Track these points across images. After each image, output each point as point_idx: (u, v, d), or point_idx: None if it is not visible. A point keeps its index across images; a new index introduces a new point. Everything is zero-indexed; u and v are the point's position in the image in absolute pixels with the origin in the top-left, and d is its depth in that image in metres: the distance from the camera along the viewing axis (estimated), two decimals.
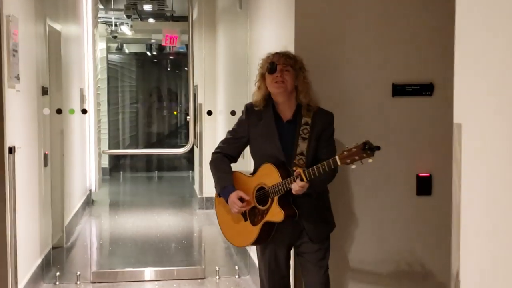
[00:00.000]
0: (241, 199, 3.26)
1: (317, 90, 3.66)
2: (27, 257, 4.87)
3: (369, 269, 3.78)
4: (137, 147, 13.54)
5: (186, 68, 12.51)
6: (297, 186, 3.03)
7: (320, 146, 3.24)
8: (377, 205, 3.76)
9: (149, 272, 5.55)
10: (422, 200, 3.77)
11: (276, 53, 3.31)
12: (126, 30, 9.58)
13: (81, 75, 7.82)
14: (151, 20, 9.73)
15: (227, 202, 3.32)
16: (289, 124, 3.28)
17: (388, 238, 3.76)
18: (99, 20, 9.07)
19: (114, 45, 11.88)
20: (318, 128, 3.23)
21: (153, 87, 13.65)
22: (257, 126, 3.32)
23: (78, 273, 5.36)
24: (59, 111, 5.29)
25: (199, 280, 5.39)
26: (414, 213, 3.77)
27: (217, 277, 5.41)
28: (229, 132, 3.47)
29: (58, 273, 5.34)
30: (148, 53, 13.27)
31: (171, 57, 13.20)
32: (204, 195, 8.19)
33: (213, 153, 3.46)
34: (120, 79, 12.96)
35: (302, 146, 3.20)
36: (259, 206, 3.25)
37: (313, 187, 3.08)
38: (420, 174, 3.74)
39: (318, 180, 3.04)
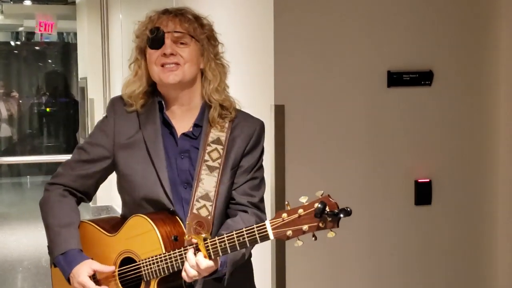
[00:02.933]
0: (94, 278, 1.95)
1: (295, 83, 3.01)
2: None
3: None
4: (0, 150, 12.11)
5: (65, 60, 11.35)
6: (192, 269, 1.81)
7: (238, 180, 2.01)
8: (368, 217, 3.16)
9: None
10: (421, 210, 3.21)
11: (165, 11, 2.03)
12: None
13: None
14: (26, 2, 8.53)
15: (68, 280, 1.96)
16: (186, 139, 2.01)
17: (383, 256, 3.18)
18: None
19: None
20: (237, 149, 2.01)
21: (20, 82, 12.28)
22: (130, 141, 2.02)
23: None
24: None
25: None
26: (412, 226, 3.21)
27: None
28: (78, 148, 2.09)
29: None
30: (12, 43, 11.95)
31: (41, 47, 11.91)
32: (98, 203, 7.19)
33: (47, 185, 2.08)
34: None
35: (208, 183, 1.96)
36: None
37: (224, 268, 1.88)
38: (419, 180, 3.18)
39: (232, 256, 1.87)
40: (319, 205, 1.68)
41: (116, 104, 2.06)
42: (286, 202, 1.73)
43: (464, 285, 3.29)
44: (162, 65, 1.97)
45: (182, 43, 1.98)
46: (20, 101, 11.90)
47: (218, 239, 1.78)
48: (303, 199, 1.72)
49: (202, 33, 2.01)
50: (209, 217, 1.94)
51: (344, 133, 3.11)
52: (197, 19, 2.03)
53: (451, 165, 3.22)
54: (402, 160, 3.18)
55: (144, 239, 1.92)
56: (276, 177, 3.02)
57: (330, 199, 1.70)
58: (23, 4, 8.78)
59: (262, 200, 2.06)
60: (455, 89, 3.20)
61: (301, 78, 3.04)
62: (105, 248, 2.01)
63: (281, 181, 3.02)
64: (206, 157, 1.97)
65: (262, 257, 2.95)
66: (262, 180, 2.08)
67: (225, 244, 1.77)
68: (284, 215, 1.71)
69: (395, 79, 3.13)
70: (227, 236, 1.77)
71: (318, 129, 3.07)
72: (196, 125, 2.01)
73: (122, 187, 2.05)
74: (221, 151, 1.98)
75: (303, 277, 3.09)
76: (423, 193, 3.19)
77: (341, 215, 1.68)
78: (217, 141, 1.99)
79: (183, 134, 2.01)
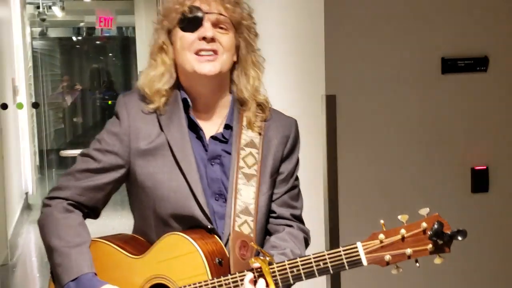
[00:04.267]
0: None
1: (346, 72, 2.99)
2: None
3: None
4: (64, 142, 12.46)
5: (124, 54, 11.57)
6: None
7: (278, 191, 1.77)
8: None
9: None
10: (478, 198, 3.15)
11: None
12: (56, 11, 8.58)
13: (11, 63, 6.84)
14: None
15: None
16: (216, 143, 1.74)
17: None
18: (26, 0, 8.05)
19: (36, 30, 10.83)
20: (275, 153, 1.75)
21: (82, 75, 12.59)
22: (151, 147, 1.70)
23: None
24: (4, 106, 4.39)
25: None
26: (468, 214, 3.15)
27: None
28: (84, 155, 1.75)
29: None
30: (74, 38, 12.25)
31: (101, 42, 12.18)
32: None
33: (46, 200, 1.74)
34: (43, 67, 11.87)
35: (246, 194, 1.68)
36: None
37: None
38: (476, 167, 3.12)
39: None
40: (436, 226, 1.42)
41: (129, 103, 1.73)
42: (382, 222, 1.48)
43: None
44: (197, 53, 1.67)
45: (221, 28, 1.71)
46: (83, 94, 12.21)
47: (289, 264, 1.50)
48: (403, 218, 1.47)
49: (244, 20, 1.77)
50: (251, 235, 1.66)
51: (398, 122, 3.06)
52: (239, 3, 1.77)
53: (508, 151, 3.15)
54: (458, 148, 3.12)
55: (183, 262, 1.60)
56: (328, 170, 3.00)
57: (442, 219, 1.46)
58: (83, 1, 9.01)
59: (302, 211, 1.83)
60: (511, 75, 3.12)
61: (352, 67, 3.01)
62: (128, 273, 1.67)
63: (333, 174, 3.00)
64: (241, 163, 1.68)
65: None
66: (299, 189, 1.84)
67: (298, 270, 1.49)
68: (381, 236, 1.45)
69: (450, 65, 3.06)
70: (301, 261, 1.50)
71: (370, 118, 3.04)
72: (226, 126, 1.73)
73: (141, 201, 1.72)
74: (256, 155, 1.69)
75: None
76: (480, 181, 3.13)
77: (460, 238, 1.44)
78: (251, 144, 1.71)
79: (212, 137, 1.73)
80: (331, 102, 2.99)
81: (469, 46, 3.09)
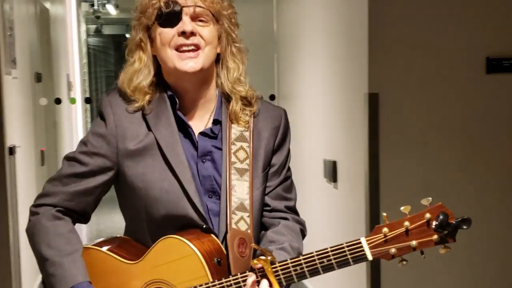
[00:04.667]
0: None
1: (389, 71, 3.01)
2: (30, 272, 4.14)
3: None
4: None
5: None
6: None
7: (271, 183, 1.71)
8: (467, 207, 3.11)
9: None
10: None
11: None
12: (110, 9, 8.77)
13: (66, 59, 7.04)
14: None
15: None
16: (206, 139, 1.67)
17: (486, 253, 3.13)
18: None
19: (91, 27, 11.07)
20: (266, 146, 1.69)
21: None
22: (139, 147, 1.63)
23: None
24: (58, 101, 4.53)
25: None
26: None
27: None
28: (69, 159, 1.66)
29: None
30: (127, 35, 12.47)
31: None
32: None
33: (33, 208, 1.66)
34: (97, 64, 12.14)
35: (240, 190, 1.63)
36: None
37: None
38: None
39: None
40: (441, 217, 1.38)
41: (114, 103, 1.65)
42: (384, 215, 1.46)
43: None
44: (178, 48, 1.59)
45: (201, 21, 1.62)
46: None
47: (292, 263, 1.48)
48: (405, 210, 1.42)
49: (224, 10, 1.66)
50: (248, 231, 1.61)
51: (440, 121, 3.07)
52: None
53: None
54: (502, 148, 3.10)
55: (181, 265, 1.55)
56: (370, 168, 3.03)
57: (446, 208, 1.42)
58: None
59: (296, 202, 1.78)
60: None
61: (395, 65, 3.03)
62: (124, 279, 1.61)
63: (375, 172, 3.02)
64: (233, 158, 1.63)
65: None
66: (292, 180, 1.76)
67: (301, 268, 1.47)
68: (385, 230, 1.42)
69: (495, 65, 3.05)
70: (304, 259, 1.47)
71: (413, 117, 3.05)
72: (214, 121, 1.66)
73: (132, 202, 1.66)
74: (247, 149, 1.64)
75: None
76: None
77: (464, 227, 1.40)
78: (241, 137, 1.65)
79: (201, 133, 1.66)
80: (373, 100, 3.02)
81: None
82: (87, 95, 8.64)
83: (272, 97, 4.60)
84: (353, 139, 3.27)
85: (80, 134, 7.90)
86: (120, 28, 11.75)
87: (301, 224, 1.73)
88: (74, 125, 7.59)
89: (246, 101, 1.68)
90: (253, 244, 1.57)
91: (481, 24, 3.05)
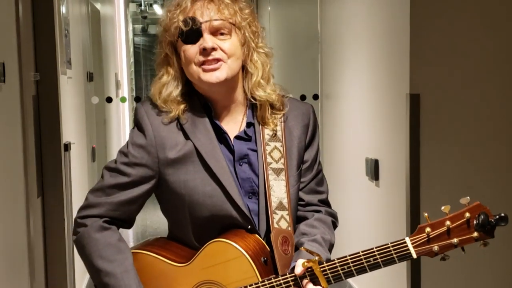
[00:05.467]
0: None
1: (430, 72, 3.08)
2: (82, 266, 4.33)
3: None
4: None
5: None
6: None
7: (304, 179, 1.78)
8: (506, 206, 3.16)
9: None
10: None
11: None
12: (157, 9, 8.97)
13: (115, 58, 7.25)
14: None
15: None
16: (241, 143, 1.74)
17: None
18: None
19: (138, 27, 11.29)
20: (299, 144, 1.75)
21: None
22: (179, 155, 1.69)
23: None
24: (109, 100, 4.71)
25: None
26: None
27: None
28: (111, 170, 1.72)
29: None
30: None
31: None
32: None
33: (79, 219, 1.72)
34: (144, 63, 12.37)
35: (278, 189, 1.70)
36: None
37: None
38: None
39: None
40: (482, 216, 1.47)
41: (150, 113, 1.70)
42: (426, 215, 1.54)
43: None
44: (201, 64, 1.65)
45: (222, 34, 1.66)
46: None
47: (339, 262, 1.55)
48: (446, 209, 1.52)
49: (243, 19, 1.68)
50: (289, 229, 1.68)
51: (481, 122, 3.12)
52: (237, 2, 1.70)
53: None
54: None
55: (230, 267, 1.62)
56: (410, 168, 3.10)
57: (484, 206, 1.50)
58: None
59: (328, 195, 1.84)
60: None
61: (436, 67, 3.09)
62: (173, 282, 1.68)
63: (416, 173, 3.09)
64: (269, 159, 1.69)
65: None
66: (323, 173, 1.83)
67: (348, 267, 1.54)
68: (428, 229, 1.51)
69: None
70: (351, 258, 1.55)
71: (453, 118, 3.11)
72: (247, 124, 1.72)
73: (175, 207, 1.72)
74: (281, 149, 1.70)
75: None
76: None
77: (502, 224, 1.49)
78: (274, 138, 1.71)
79: (236, 137, 1.72)
80: (415, 101, 3.09)
81: None
82: (134, 94, 8.85)
83: (316, 97, 4.69)
84: (394, 138, 3.36)
85: (127, 132, 8.12)
86: None
87: (333, 216, 1.80)
88: (122, 123, 7.81)
89: (273, 105, 1.73)
90: (303, 247, 1.61)
91: None
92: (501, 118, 3.13)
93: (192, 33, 1.64)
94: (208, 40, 1.64)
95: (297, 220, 1.77)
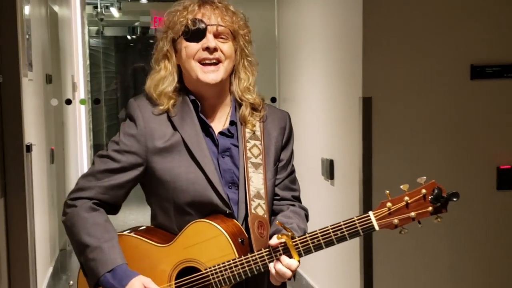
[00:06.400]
0: None
1: (382, 76, 3.25)
2: (42, 264, 4.37)
3: (438, 270, 3.39)
4: None
5: None
6: (286, 271, 1.71)
7: (279, 176, 1.94)
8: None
9: None
10: (503, 194, 3.37)
11: (204, 1, 1.87)
12: (114, 11, 8.99)
13: (72, 61, 7.25)
14: (143, 0, 9.15)
15: None
16: (224, 138, 1.89)
17: (464, 236, 3.37)
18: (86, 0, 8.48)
19: (94, 29, 11.27)
20: (276, 143, 1.92)
21: (135, 73, 13.04)
22: (167, 145, 1.83)
23: (71, 282, 4.78)
24: (68, 102, 4.77)
25: None
26: (494, 209, 3.38)
27: None
28: (102, 157, 1.86)
29: (71, 282, 4.83)
30: (128, 37, 12.68)
31: (154, 41, 12.60)
32: None
33: (69, 201, 1.84)
34: (99, 65, 12.35)
35: (256, 181, 1.84)
36: None
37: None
38: (501, 167, 3.35)
39: None
40: (436, 191, 1.63)
41: (142, 106, 1.85)
42: (387, 192, 1.70)
43: None
44: (201, 61, 1.82)
45: (222, 38, 1.84)
46: (135, 91, 12.64)
47: (310, 236, 1.70)
48: (405, 187, 1.67)
49: (241, 28, 1.88)
50: (265, 216, 1.83)
51: (429, 124, 3.29)
52: (236, 13, 1.89)
53: None
54: (485, 148, 3.34)
55: (209, 245, 1.75)
56: (363, 168, 3.26)
57: (439, 184, 1.66)
58: (139, 2, 9.40)
59: (300, 193, 2.01)
60: None
61: (388, 71, 3.25)
62: (156, 261, 1.81)
63: (368, 173, 3.25)
64: (249, 154, 1.85)
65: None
66: (295, 174, 2.02)
67: (318, 241, 1.70)
68: (389, 204, 1.66)
69: (478, 72, 3.28)
70: (320, 232, 1.69)
71: (403, 120, 3.28)
72: (231, 123, 1.89)
73: (159, 195, 1.85)
74: (260, 146, 1.87)
75: (389, 261, 3.35)
76: (504, 179, 3.35)
77: (454, 199, 1.64)
78: (254, 136, 1.88)
79: (220, 132, 1.88)
80: (367, 104, 3.25)
81: (498, 53, 3.31)
82: (89, 96, 8.84)
83: (273, 100, 4.81)
84: (348, 140, 3.51)
85: (84, 134, 8.12)
86: (121, 30, 11.96)
87: (306, 210, 1.97)
88: (79, 125, 7.81)
89: (254, 107, 1.90)
90: (278, 222, 1.78)
91: (467, 34, 3.28)
92: (446, 119, 3.31)
93: (198, 33, 1.80)
94: (211, 41, 1.81)
95: (273, 213, 1.91)
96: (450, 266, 3.38)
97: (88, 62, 9.03)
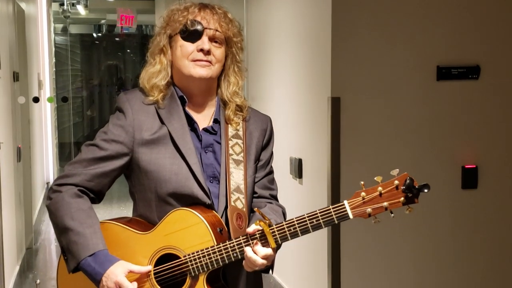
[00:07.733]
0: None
1: (350, 76, 3.30)
2: (9, 263, 4.33)
3: (401, 265, 3.46)
4: (82, 135, 12.81)
5: (143, 51, 11.91)
6: (257, 258, 1.76)
7: (258, 175, 2.01)
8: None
9: None
10: (468, 193, 3.46)
11: (204, 6, 1.96)
12: (80, 9, 8.93)
13: (38, 58, 7.19)
14: None
15: (97, 283, 1.80)
16: (208, 134, 1.97)
17: (429, 234, 3.44)
18: None
19: (59, 26, 11.17)
20: (257, 143, 2.00)
21: (101, 71, 12.95)
22: (154, 137, 1.90)
23: (38, 281, 4.72)
24: (36, 100, 4.73)
25: None
26: (459, 208, 3.46)
27: None
28: (90, 145, 1.92)
29: (38, 281, 4.80)
30: (95, 34, 12.59)
31: (120, 39, 12.53)
32: None
33: (55, 187, 1.88)
34: (65, 63, 12.24)
35: (237, 176, 1.92)
36: None
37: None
38: (466, 166, 3.43)
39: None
40: (408, 181, 1.69)
41: (132, 99, 1.93)
42: (362, 183, 1.73)
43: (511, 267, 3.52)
44: (193, 61, 1.90)
45: (216, 42, 1.92)
46: (100, 90, 12.56)
47: (286, 224, 1.75)
48: (378, 179, 1.72)
49: (235, 35, 1.97)
50: (244, 209, 1.90)
51: (396, 123, 3.35)
52: (232, 21, 1.98)
53: (496, 152, 3.44)
54: (450, 148, 3.41)
55: (189, 232, 1.80)
56: (332, 166, 3.31)
57: (411, 176, 1.71)
58: (106, 0, 9.35)
59: (277, 193, 2.09)
60: (501, 82, 3.42)
61: (356, 72, 3.30)
62: (137, 248, 1.85)
63: (336, 170, 3.30)
64: (230, 151, 1.93)
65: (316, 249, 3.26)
66: (273, 175, 2.09)
67: (294, 228, 1.74)
68: (363, 194, 1.71)
69: (444, 73, 3.35)
70: (297, 220, 1.74)
71: (371, 119, 3.33)
72: (215, 121, 1.97)
73: (143, 184, 1.90)
74: (241, 145, 1.95)
75: (356, 256, 3.40)
76: (469, 178, 3.43)
77: (425, 190, 1.70)
78: (236, 135, 1.96)
79: (204, 129, 1.96)
80: (336, 103, 3.30)
81: (462, 55, 3.38)
82: (55, 93, 8.77)
83: None
84: (317, 139, 3.56)
85: (49, 132, 8.05)
86: (87, 28, 11.87)
87: (283, 208, 2.04)
88: (44, 123, 7.74)
89: (239, 108, 2.00)
90: (257, 209, 1.82)
91: (432, 36, 3.35)
92: (413, 119, 3.37)
93: (195, 34, 1.89)
94: (206, 43, 1.90)
95: (251, 211, 1.97)
96: (414, 265, 3.44)
97: (54, 60, 8.95)
